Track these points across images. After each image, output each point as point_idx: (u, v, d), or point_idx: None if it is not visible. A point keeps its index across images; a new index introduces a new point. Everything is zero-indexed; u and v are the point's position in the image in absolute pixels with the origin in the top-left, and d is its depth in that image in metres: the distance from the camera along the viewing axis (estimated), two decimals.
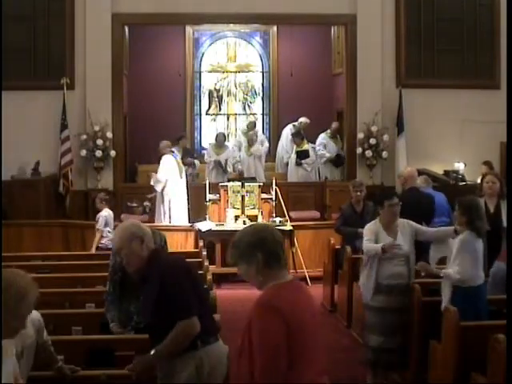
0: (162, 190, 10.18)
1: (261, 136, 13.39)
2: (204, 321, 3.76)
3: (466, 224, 5.43)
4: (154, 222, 10.05)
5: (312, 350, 2.88)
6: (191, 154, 12.40)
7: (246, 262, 2.94)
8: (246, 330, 2.88)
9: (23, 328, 3.10)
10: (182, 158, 11.97)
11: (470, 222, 5.40)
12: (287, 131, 13.33)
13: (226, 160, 12.37)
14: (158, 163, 10.36)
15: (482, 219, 5.51)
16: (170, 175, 10.19)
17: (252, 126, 13.19)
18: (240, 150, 12.92)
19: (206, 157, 12.68)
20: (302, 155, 12.35)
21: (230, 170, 12.37)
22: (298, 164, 12.41)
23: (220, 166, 12.25)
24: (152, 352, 3.76)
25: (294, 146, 12.68)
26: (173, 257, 4.40)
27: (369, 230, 5.85)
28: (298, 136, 12.60)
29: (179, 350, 3.72)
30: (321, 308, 8.33)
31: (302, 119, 13.13)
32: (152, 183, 10.23)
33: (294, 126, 13.22)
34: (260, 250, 2.91)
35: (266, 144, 13.34)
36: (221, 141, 12.63)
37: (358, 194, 8.00)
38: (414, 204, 7.03)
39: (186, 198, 10.47)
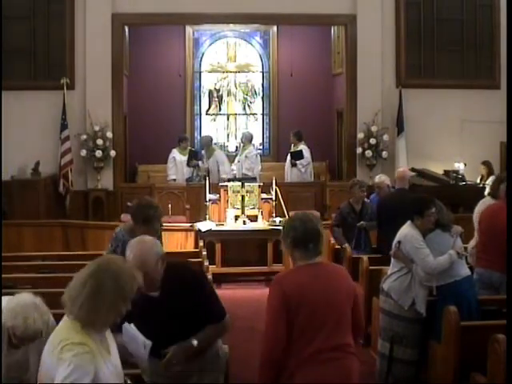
0: None
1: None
2: None
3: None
4: None
5: (315, 329, 3.32)
6: (197, 156, 12.24)
7: (283, 242, 3.60)
8: None
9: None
10: (187, 161, 11.92)
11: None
12: None
13: (217, 162, 12.26)
14: None
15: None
16: None
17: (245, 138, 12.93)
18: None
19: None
20: (295, 156, 12.24)
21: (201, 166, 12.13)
22: (293, 165, 12.30)
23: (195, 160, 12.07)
24: (194, 342, 3.56)
25: (292, 145, 12.59)
26: (181, 263, 4.09)
27: (422, 245, 5.41)
28: (297, 135, 12.50)
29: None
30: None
31: None
32: None
33: None
34: (290, 235, 3.51)
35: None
36: (208, 141, 12.51)
37: (357, 193, 8.00)
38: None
39: None
